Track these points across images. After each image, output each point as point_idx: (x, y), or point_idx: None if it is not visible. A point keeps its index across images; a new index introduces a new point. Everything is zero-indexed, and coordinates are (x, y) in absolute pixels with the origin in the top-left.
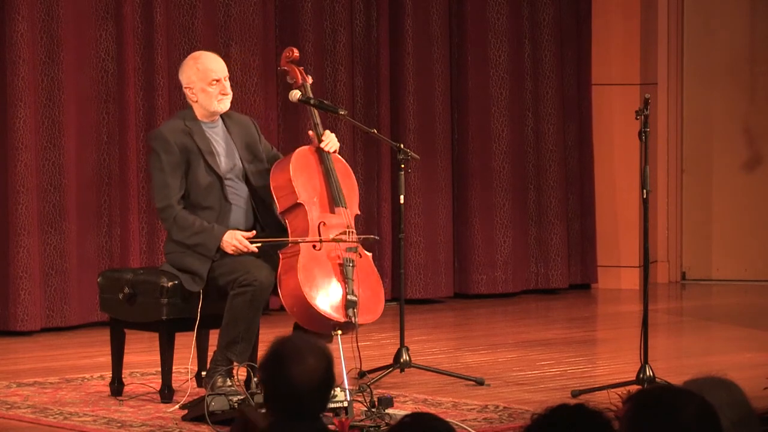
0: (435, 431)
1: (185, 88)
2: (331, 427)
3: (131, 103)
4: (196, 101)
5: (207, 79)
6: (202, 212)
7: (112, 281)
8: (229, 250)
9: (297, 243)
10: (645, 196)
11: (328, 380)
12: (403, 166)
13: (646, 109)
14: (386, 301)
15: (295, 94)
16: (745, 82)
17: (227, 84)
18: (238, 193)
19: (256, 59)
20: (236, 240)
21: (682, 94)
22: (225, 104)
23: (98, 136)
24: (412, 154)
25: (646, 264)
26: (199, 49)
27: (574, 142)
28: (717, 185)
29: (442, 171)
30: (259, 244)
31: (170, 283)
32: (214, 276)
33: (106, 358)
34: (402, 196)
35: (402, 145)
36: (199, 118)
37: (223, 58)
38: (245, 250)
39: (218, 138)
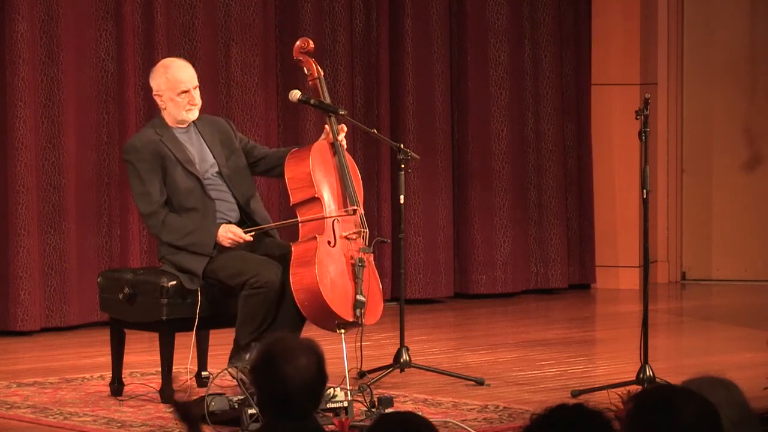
0: (411, 425)
1: (155, 94)
2: (330, 427)
3: (131, 103)
4: (165, 108)
5: (176, 90)
6: (187, 214)
7: (112, 281)
8: (226, 243)
9: (290, 225)
10: (645, 196)
11: (320, 378)
12: (403, 166)
13: (646, 109)
14: (386, 301)
15: (295, 94)
16: (745, 82)
17: (196, 94)
18: (220, 189)
19: (256, 59)
20: (231, 233)
21: (682, 94)
22: (193, 114)
23: (98, 136)
24: (412, 154)
25: (646, 264)
26: (199, 49)
27: (574, 142)
28: (717, 185)
29: (442, 171)
30: (253, 233)
31: (170, 283)
32: (219, 277)
33: (106, 358)
34: (402, 196)
35: (402, 145)
36: (170, 124)
37: (223, 57)
38: (241, 241)
39: (191, 141)
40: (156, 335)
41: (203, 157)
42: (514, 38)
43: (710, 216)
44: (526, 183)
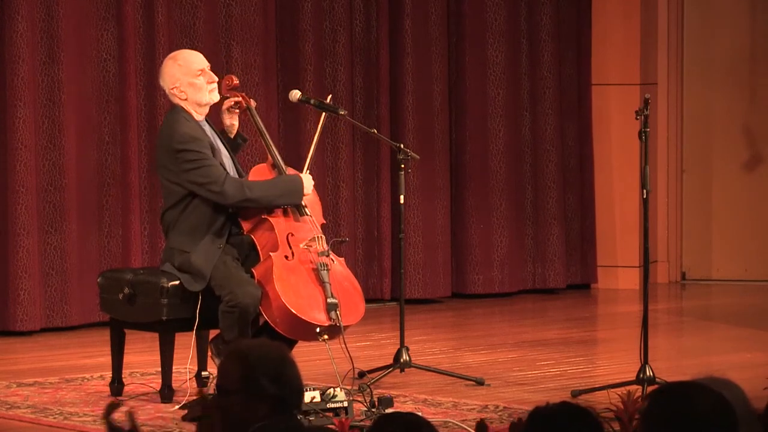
0: (413, 425)
1: (171, 90)
2: (331, 426)
3: (132, 103)
4: (186, 99)
5: (192, 72)
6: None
7: (113, 281)
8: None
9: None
10: (645, 196)
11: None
12: (403, 166)
13: (646, 109)
14: (386, 301)
15: (295, 94)
16: (745, 81)
17: (211, 73)
18: None
19: (256, 59)
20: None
21: (682, 94)
22: (215, 95)
23: (99, 136)
24: (412, 154)
25: (646, 264)
26: (199, 49)
27: (574, 142)
28: (717, 185)
29: (441, 171)
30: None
31: (170, 284)
32: (211, 283)
33: (106, 358)
34: (402, 196)
35: (402, 145)
36: (195, 116)
37: (224, 57)
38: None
39: (214, 135)
40: (156, 335)
41: (224, 151)
42: (513, 39)
43: (710, 216)
44: (525, 183)
